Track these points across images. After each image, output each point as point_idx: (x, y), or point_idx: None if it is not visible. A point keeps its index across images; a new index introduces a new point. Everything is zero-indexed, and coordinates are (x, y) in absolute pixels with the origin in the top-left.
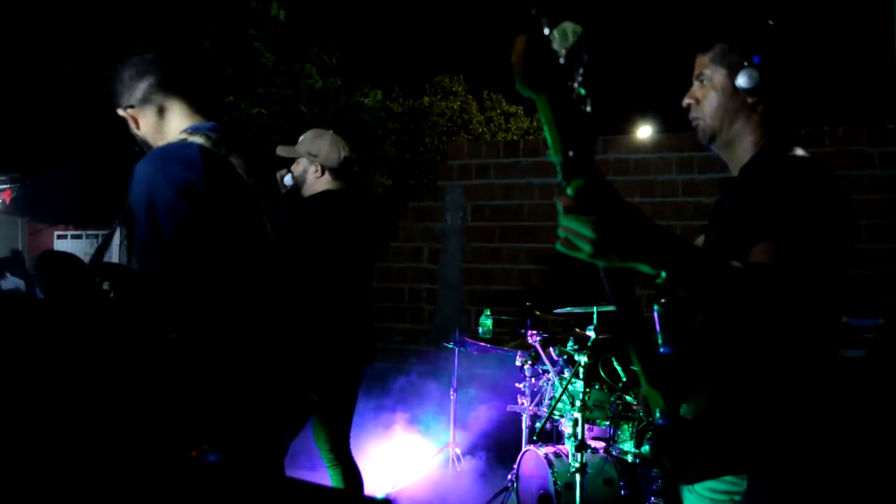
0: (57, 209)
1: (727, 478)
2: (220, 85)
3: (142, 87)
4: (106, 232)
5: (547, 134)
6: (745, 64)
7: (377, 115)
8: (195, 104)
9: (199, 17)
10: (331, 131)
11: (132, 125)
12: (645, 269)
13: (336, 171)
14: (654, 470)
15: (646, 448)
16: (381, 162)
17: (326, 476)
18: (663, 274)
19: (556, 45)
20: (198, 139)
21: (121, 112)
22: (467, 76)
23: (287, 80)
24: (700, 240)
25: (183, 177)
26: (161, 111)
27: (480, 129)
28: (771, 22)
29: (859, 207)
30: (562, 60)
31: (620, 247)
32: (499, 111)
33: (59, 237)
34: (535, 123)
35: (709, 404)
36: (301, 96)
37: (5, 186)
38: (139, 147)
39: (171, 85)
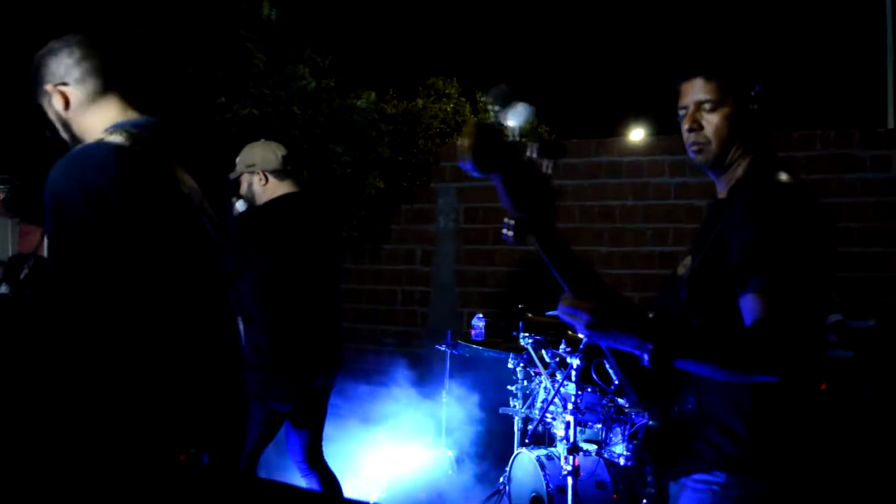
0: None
1: (709, 473)
2: (210, 85)
3: (82, 67)
4: None
5: (502, 200)
6: (753, 94)
7: (370, 117)
8: (131, 98)
9: (190, 17)
10: (262, 139)
11: (57, 104)
12: (632, 346)
13: (280, 173)
14: (642, 467)
15: (633, 446)
16: (374, 164)
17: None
18: (650, 346)
19: (509, 123)
20: (116, 138)
21: (48, 88)
22: (461, 79)
23: (279, 81)
24: (687, 261)
25: (92, 182)
26: (94, 96)
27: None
28: (764, 45)
29: (851, 210)
30: (514, 137)
31: (611, 329)
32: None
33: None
34: (527, 127)
35: (695, 406)
36: (294, 98)
37: None
38: (51, 133)
39: (110, 72)
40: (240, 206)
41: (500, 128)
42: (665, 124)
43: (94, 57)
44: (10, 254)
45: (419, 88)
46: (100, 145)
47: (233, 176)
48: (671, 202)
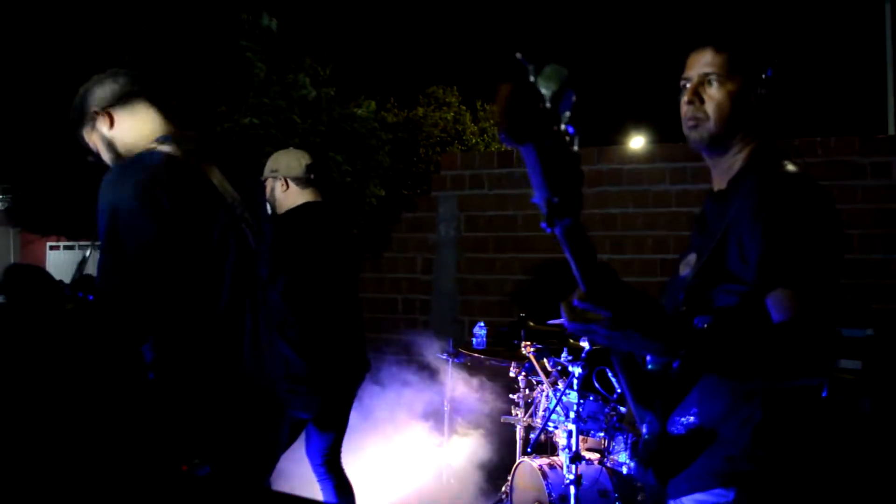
0: (49, 220)
1: (714, 490)
2: (211, 95)
3: (126, 90)
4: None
5: (532, 179)
6: (763, 76)
7: (371, 126)
8: (169, 113)
9: (191, 27)
10: (290, 147)
11: (103, 126)
12: (657, 352)
13: (302, 181)
14: (641, 483)
15: (633, 461)
16: (374, 172)
17: (315, 489)
18: (682, 353)
19: (541, 88)
20: (165, 147)
21: (95, 111)
22: (461, 87)
23: (280, 90)
24: (691, 259)
25: (147, 189)
26: (138, 115)
27: (474, 140)
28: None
29: (852, 217)
30: (547, 104)
31: (633, 331)
32: (492, 122)
33: (52, 248)
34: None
35: (698, 418)
36: (294, 106)
37: None
38: (94, 158)
39: (149, 92)
40: None
41: (536, 92)
42: (666, 132)
43: (138, 81)
44: (11, 262)
45: (419, 97)
46: (152, 154)
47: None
48: (672, 210)
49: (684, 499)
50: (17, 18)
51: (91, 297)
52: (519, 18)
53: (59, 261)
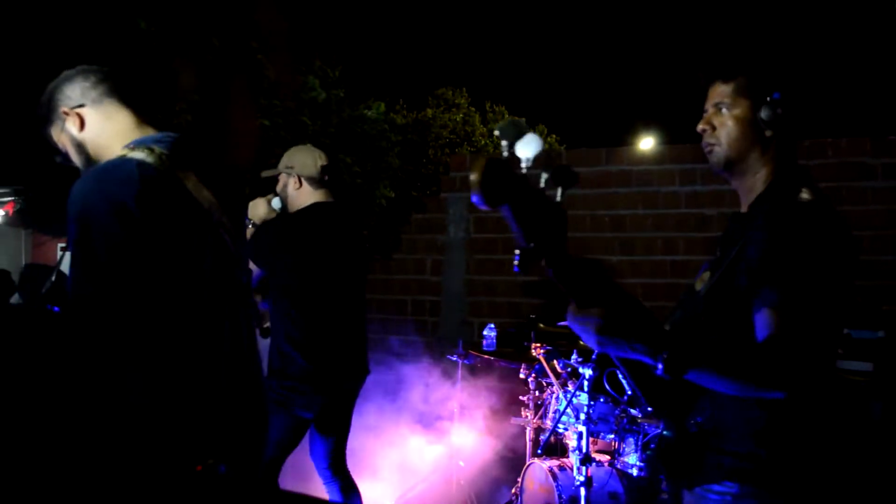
0: (61, 221)
1: (723, 482)
2: (221, 97)
3: (98, 89)
4: None
5: (512, 229)
6: (768, 99)
7: (380, 128)
8: (144, 115)
9: (202, 29)
10: (308, 144)
11: (72, 127)
12: (643, 354)
13: (315, 181)
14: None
15: (645, 456)
16: (384, 174)
17: (321, 492)
18: (664, 356)
19: (519, 154)
20: (138, 155)
21: (64, 111)
22: (470, 89)
23: (290, 92)
24: (706, 276)
25: (118, 197)
26: (109, 115)
27: (483, 142)
28: (790, 56)
29: (863, 219)
30: (525, 169)
31: (619, 337)
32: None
33: (63, 249)
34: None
35: (709, 420)
36: (304, 108)
37: (8, 199)
38: (62, 158)
39: (124, 92)
40: (276, 203)
41: (510, 160)
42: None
43: (109, 79)
44: (24, 263)
45: (429, 98)
46: (124, 161)
47: (273, 173)
48: (681, 211)
49: (697, 490)
50: (28, 19)
51: (56, 309)
52: (529, 20)
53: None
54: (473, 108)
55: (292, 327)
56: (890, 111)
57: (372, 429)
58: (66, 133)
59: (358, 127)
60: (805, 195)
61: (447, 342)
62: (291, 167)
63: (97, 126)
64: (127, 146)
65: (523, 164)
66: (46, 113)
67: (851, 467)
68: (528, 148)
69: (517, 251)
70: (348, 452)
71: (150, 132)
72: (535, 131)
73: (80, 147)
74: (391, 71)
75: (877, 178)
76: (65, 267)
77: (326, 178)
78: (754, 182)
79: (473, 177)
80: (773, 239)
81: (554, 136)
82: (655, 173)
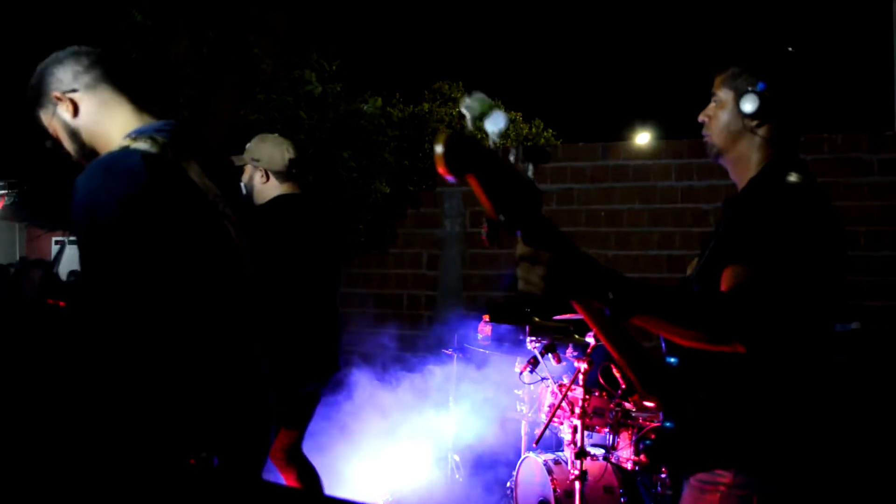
0: (55, 215)
1: (715, 470)
2: (218, 90)
3: (92, 73)
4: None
5: (481, 201)
6: (749, 90)
7: (377, 122)
8: (141, 103)
9: (199, 22)
10: (275, 134)
11: (65, 113)
12: (592, 296)
13: (282, 175)
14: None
15: (644, 446)
16: (380, 169)
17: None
18: (610, 296)
19: (487, 129)
20: (141, 145)
21: (56, 96)
22: (467, 82)
23: (286, 86)
24: (695, 261)
25: (125, 191)
26: (105, 102)
27: (479, 136)
28: (787, 48)
29: (859, 214)
30: (492, 143)
31: (566, 285)
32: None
33: (57, 242)
34: (534, 129)
35: (702, 404)
36: (300, 102)
37: (1, 192)
38: (52, 143)
39: (120, 78)
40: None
41: (475, 134)
42: (672, 128)
43: (103, 63)
44: (18, 257)
45: (425, 92)
46: (128, 152)
47: (239, 162)
48: (678, 206)
49: (692, 480)
50: (22, 12)
51: (61, 304)
52: (525, 14)
53: (65, 255)
54: None
55: (265, 319)
56: (886, 107)
57: (367, 423)
58: (57, 118)
59: (354, 121)
60: (793, 178)
61: (443, 336)
62: (258, 160)
63: (92, 113)
64: (128, 136)
65: (491, 140)
66: (36, 96)
67: (842, 453)
68: (495, 124)
69: (485, 220)
70: (343, 446)
71: (148, 120)
72: (506, 112)
73: (75, 134)
74: (388, 65)
75: (873, 173)
76: (63, 262)
77: (294, 171)
78: (747, 170)
79: (438, 148)
80: (753, 212)
81: (550, 130)
82: (652, 168)
